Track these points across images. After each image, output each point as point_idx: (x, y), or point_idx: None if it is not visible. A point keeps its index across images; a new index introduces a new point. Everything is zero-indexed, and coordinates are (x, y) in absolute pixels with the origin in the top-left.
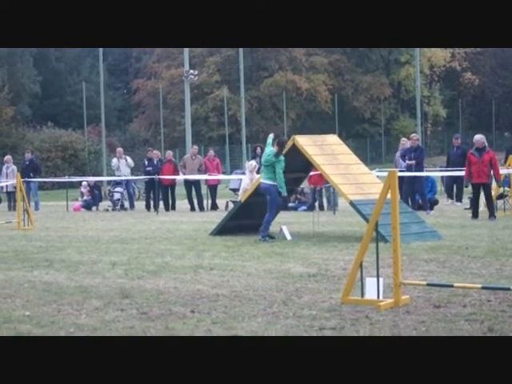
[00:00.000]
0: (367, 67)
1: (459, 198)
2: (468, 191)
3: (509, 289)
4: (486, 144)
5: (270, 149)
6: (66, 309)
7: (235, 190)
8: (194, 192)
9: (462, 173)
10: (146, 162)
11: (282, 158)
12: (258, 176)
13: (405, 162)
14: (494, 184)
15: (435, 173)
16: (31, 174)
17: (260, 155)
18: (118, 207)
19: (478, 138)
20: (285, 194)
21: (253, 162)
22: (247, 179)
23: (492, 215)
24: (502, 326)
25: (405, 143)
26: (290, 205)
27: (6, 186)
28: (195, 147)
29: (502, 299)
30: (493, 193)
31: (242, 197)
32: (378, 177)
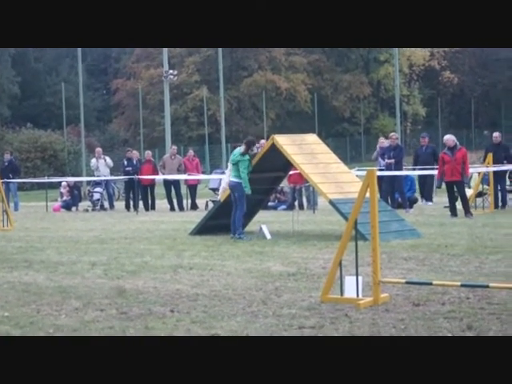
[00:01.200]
0: (346, 66)
1: (430, 198)
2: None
3: (487, 286)
4: (457, 142)
5: (238, 148)
6: (45, 309)
7: (215, 190)
8: (173, 192)
9: (434, 172)
10: (126, 162)
11: (246, 157)
12: None
13: (384, 160)
14: (472, 182)
15: (414, 171)
16: (10, 175)
17: None
18: (98, 207)
19: (448, 137)
20: (249, 192)
21: None
22: (227, 178)
23: (468, 212)
24: (481, 323)
25: (383, 142)
26: (270, 204)
27: None
28: (174, 147)
29: (480, 297)
30: (471, 191)
31: (221, 196)
32: (357, 176)
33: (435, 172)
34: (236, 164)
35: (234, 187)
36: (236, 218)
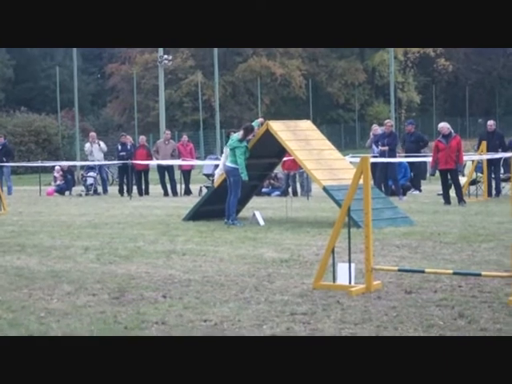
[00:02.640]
0: (341, 53)
1: (417, 187)
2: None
3: (480, 274)
4: (452, 130)
5: (236, 134)
6: (37, 293)
7: (209, 176)
8: (167, 177)
9: (423, 159)
10: (120, 147)
11: (244, 143)
12: None
13: (378, 147)
14: (466, 170)
15: (408, 158)
16: (4, 159)
17: None
18: (91, 192)
19: (442, 125)
20: (245, 178)
21: None
22: (221, 164)
23: (461, 200)
24: (473, 311)
25: (377, 129)
26: (264, 190)
27: None
28: (168, 132)
29: (472, 285)
30: (465, 179)
31: (216, 181)
32: (351, 162)
33: (420, 159)
34: (233, 149)
35: (229, 172)
36: (230, 204)
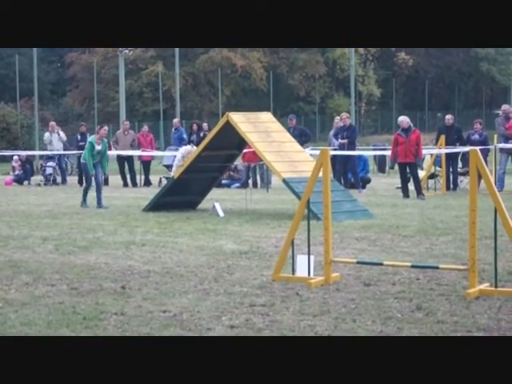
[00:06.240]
0: None
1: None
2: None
3: (437, 267)
4: (411, 124)
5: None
6: None
7: (169, 167)
8: (126, 167)
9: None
10: (79, 137)
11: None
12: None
13: (338, 140)
14: (425, 164)
15: (368, 152)
16: None
17: (196, 132)
18: (50, 182)
19: (402, 118)
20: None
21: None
22: (179, 155)
23: (420, 194)
24: (430, 304)
25: (338, 122)
26: (224, 182)
27: None
28: (126, 122)
29: (430, 277)
30: (424, 173)
31: (175, 173)
32: (311, 155)
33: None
34: None
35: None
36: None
